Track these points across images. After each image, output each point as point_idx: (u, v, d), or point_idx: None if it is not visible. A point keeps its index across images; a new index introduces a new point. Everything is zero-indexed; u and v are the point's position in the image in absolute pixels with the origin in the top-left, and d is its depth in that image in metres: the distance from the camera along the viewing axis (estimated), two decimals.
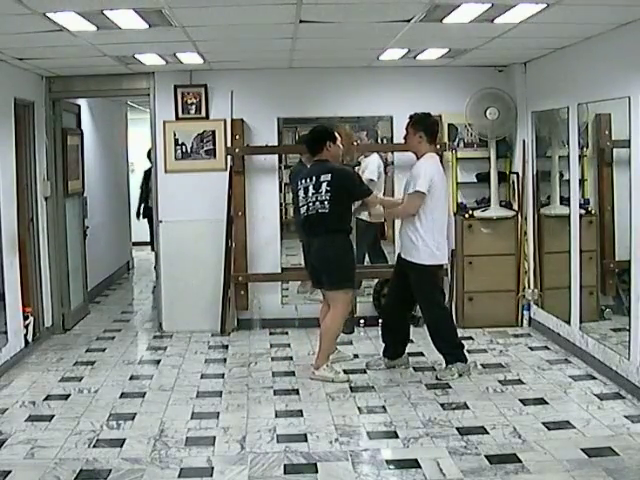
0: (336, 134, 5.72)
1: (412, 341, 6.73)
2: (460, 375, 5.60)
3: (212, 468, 4.12)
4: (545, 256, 6.84)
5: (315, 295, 7.02)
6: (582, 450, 4.20)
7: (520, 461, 4.09)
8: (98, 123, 9.31)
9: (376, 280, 7.42)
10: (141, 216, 10.90)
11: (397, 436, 4.54)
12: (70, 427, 4.73)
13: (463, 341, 6.65)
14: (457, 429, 4.60)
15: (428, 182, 5.39)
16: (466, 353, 5.77)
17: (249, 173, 7.16)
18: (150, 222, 9.94)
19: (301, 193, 5.65)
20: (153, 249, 9.33)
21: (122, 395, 5.40)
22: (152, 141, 7.31)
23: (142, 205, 10.80)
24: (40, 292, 6.91)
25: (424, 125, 5.53)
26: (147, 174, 10.13)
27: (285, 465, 4.14)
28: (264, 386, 5.56)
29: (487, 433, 4.52)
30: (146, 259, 11.15)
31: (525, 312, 7.09)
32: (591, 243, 6.06)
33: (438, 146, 6.35)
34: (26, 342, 6.41)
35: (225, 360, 6.31)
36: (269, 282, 7.30)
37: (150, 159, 9.32)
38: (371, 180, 7.26)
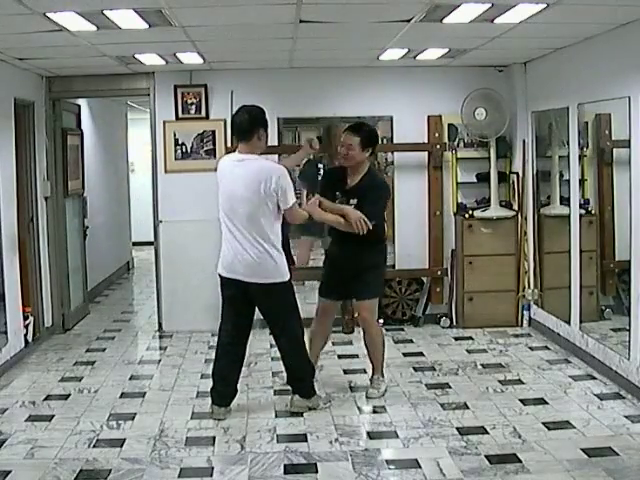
0: None
1: (412, 341, 6.76)
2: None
3: (212, 468, 4.12)
4: (545, 256, 6.84)
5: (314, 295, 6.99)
6: (582, 450, 4.20)
7: (520, 461, 4.09)
8: (98, 123, 9.30)
9: None
10: None
11: (397, 436, 4.54)
12: (70, 427, 4.73)
13: (463, 341, 6.70)
14: (457, 429, 4.60)
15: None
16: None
17: None
18: None
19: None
20: None
21: (122, 395, 5.40)
22: (152, 141, 7.31)
23: None
24: (40, 292, 6.91)
25: None
26: None
27: (285, 465, 4.14)
28: (264, 386, 5.56)
29: (487, 433, 4.52)
30: (146, 259, 11.11)
31: (525, 312, 7.08)
32: (591, 243, 6.06)
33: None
34: (26, 342, 6.41)
35: None
36: None
37: None
38: None
